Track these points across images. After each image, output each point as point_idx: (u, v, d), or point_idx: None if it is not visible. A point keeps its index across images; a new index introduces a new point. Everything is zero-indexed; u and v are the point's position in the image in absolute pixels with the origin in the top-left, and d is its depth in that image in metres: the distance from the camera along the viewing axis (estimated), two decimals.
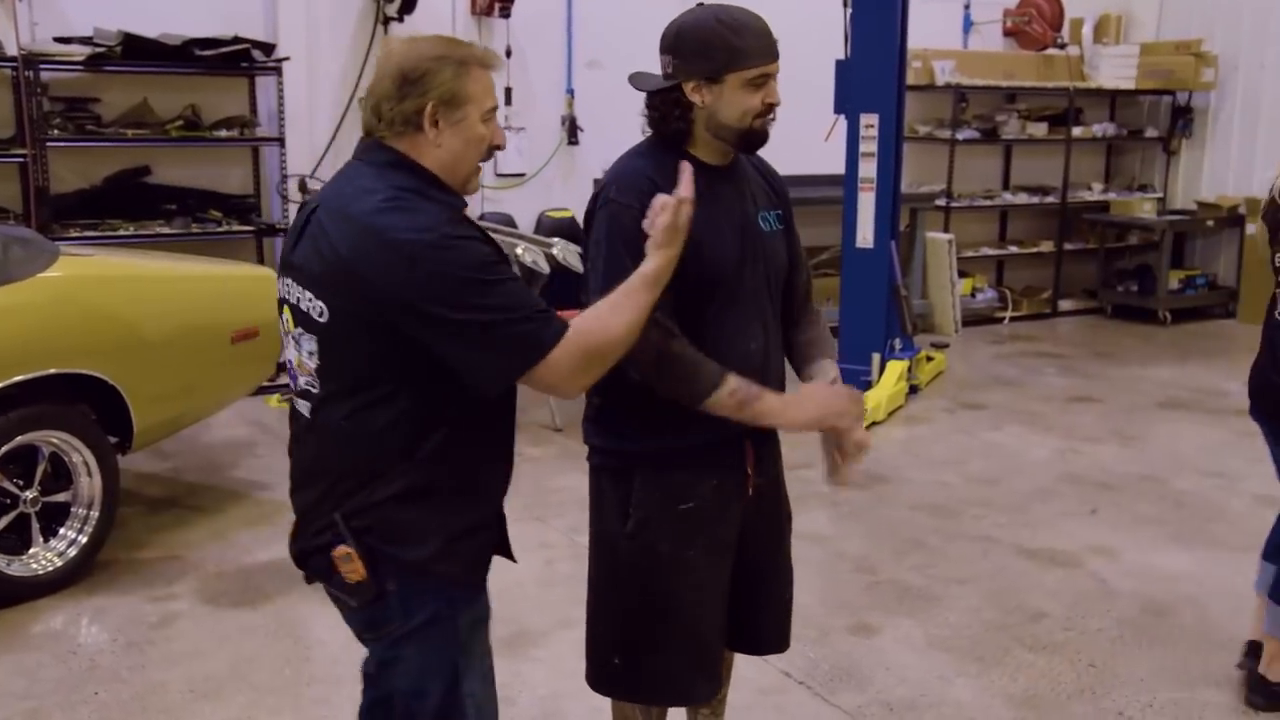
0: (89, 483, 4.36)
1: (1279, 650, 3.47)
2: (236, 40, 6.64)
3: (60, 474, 4.35)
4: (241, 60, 6.71)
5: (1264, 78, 9.53)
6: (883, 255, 6.83)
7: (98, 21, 6.47)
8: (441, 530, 2.10)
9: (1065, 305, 9.98)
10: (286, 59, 6.91)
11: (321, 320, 2.05)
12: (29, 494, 4.24)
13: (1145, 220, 9.73)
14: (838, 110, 6.92)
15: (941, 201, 9.09)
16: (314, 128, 7.23)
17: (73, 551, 4.31)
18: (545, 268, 5.55)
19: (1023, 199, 9.86)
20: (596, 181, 8.74)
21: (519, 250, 5.10)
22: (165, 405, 4.64)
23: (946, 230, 8.81)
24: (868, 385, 6.69)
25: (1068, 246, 9.94)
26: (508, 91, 7.79)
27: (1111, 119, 10.22)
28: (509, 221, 7.52)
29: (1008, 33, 9.87)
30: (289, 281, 2.12)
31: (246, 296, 5.05)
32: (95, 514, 4.37)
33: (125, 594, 4.25)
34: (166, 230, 6.64)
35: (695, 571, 2.45)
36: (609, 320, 2.05)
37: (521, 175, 7.97)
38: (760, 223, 2.48)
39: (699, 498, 2.43)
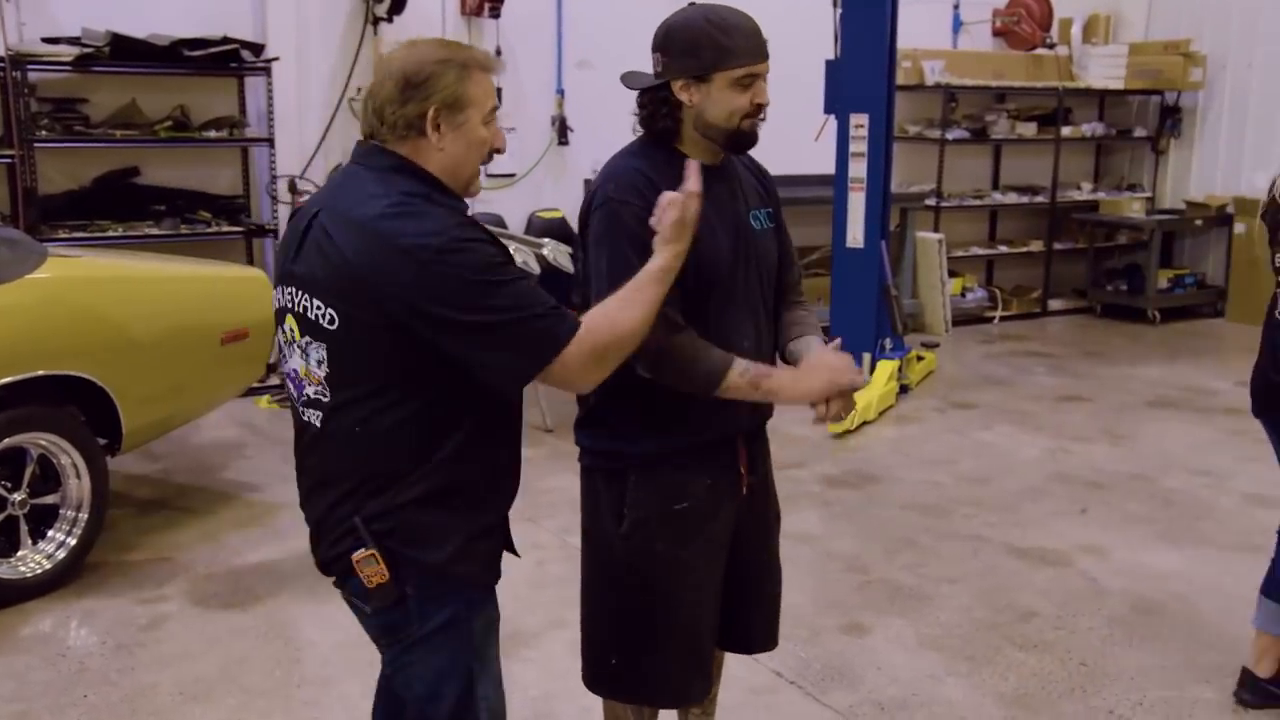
0: (78, 485, 4.35)
1: (1269, 646, 3.48)
2: (225, 41, 6.62)
3: (49, 476, 4.33)
4: (230, 61, 6.69)
5: (1251, 77, 9.57)
6: (873, 255, 6.84)
7: (86, 22, 6.45)
8: (461, 531, 2.11)
9: (1055, 305, 10.01)
10: (276, 59, 6.89)
11: (331, 328, 2.04)
12: (17, 496, 4.22)
13: (1134, 220, 9.76)
14: (827, 110, 6.93)
15: (931, 201, 9.10)
16: (303, 128, 7.22)
17: (61, 554, 4.30)
18: (536, 268, 5.55)
19: (1012, 199, 9.88)
20: (587, 182, 8.79)
21: (510, 251, 5.10)
22: (154, 407, 4.62)
23: (936, 230, 8.83)
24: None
25: (1057, 246, 9.97)
26: (498, 91, 7.76)
27: (1100, 119, 10.25)
28: (499, 222, 7.51)
29: (997, 33, 9.90)
30: (292, 290, 2.11)
31: (236, 298, 5.04)
32: (84, 516, 4.35)
33: (114, 596, 4.24)
34: (155, 231, 6.61)
35: (691, 571, 2.46)
36: (620, 315, 2.07)
37: (512, 176, 7.96)
38: (752, 221, 2.49)
39: (693, 497, 2.44)
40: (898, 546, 4.78)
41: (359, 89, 7.10)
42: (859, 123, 6.75)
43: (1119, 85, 9.80)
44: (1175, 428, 6.55)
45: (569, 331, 2.01)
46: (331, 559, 2.15)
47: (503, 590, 2.26)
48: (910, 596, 4.30)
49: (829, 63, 6.91)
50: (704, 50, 2.29)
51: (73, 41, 6.38)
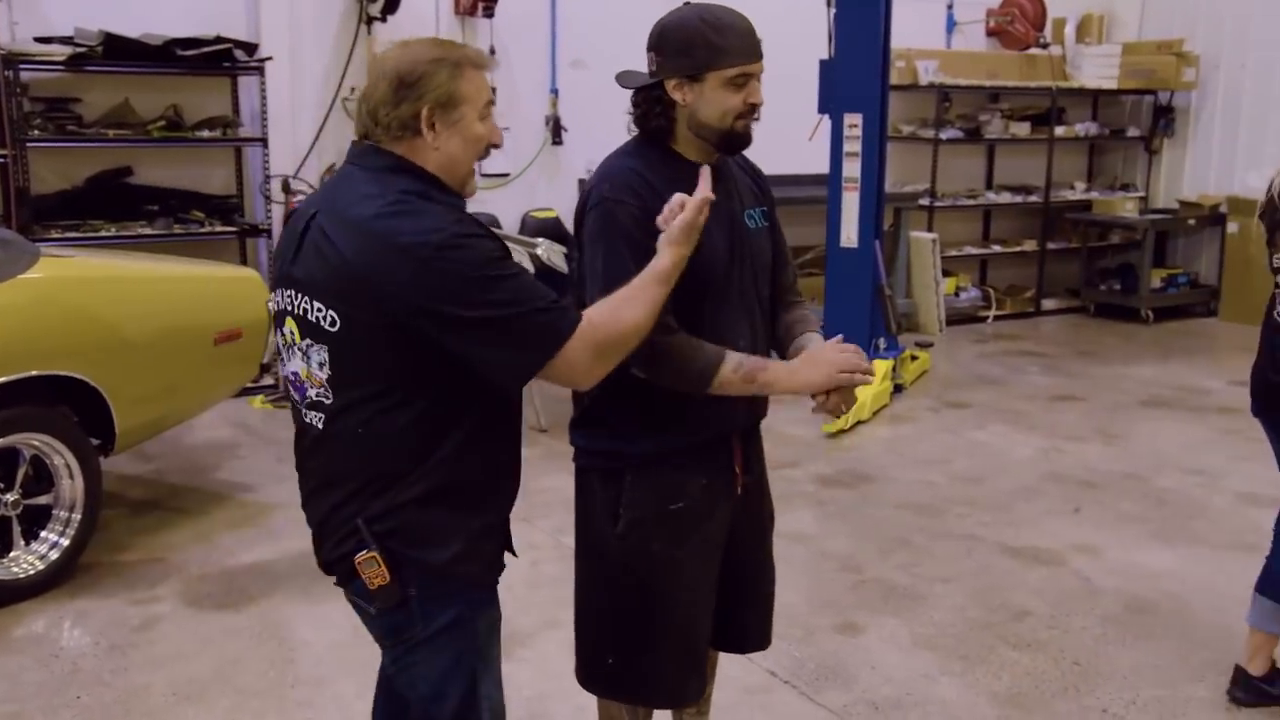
0: (71, 485, 4.34)
1: (1263, 643, 3.49)
2: (219, 40, 6.61)
3: (42, 476, 4.32)
4: (224, 60, 6.68)
5: (1244, 77, 9.59)
6: (867, 255, 6.84)
7: (78, 21, 6.44)
8: (463, 531, 2.11)
9: (1048, 304, 10.02)
10: (269, 59, 6.88)
11: (333, 330, 2.03)
12: (10, 497, 4.21)
13: (1127, 219, 9.78)
14: (822, 110, 6.93)
15: (925, 201, 9.12)
16: (297, 128, 7.21)
17: (54, 554, 4.29)
18: (530, 268, 5.54)
19: (1006, 198, 9.89)
20: (581, 182, 8.78)
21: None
22: (147, 407, 4.62)
23: (930, 229, 8.84)
24: None
25: (1051, 245, 9.99)
26: (492, 91, 7.76)
27: (1094, 118, 10.26)
28: (494, 222, 7.51)
29: (990, 32, 9.91)
30: (291, 293, 2.11)
31: (229, 298, 5.03)
32: (77, 517, 4.35)
33: (108, 597, 4.23)
34: (148, 231, 6.60)
35: (686, 571, 2.46)
36: (621, 312, 2.07)
37: (506, 175, 7.95)
38: (747, 221, 2.49)
39: (689, 497, 2.44)
40: (892, 546, 4.79)
41: (353, 89, 7.10)
42: (853, 122, 6.75)
43: (1112, 85, 9.82)
44: (1168, 427, 6.56)
45: (571, 326, 2.01)
46: (334, 560, 2.15)
47: (498, 590, 2.26)
48: (904, 596, 4.31)
49: (823, 62, 6.91)
50: (697, 49, 2.29)
51: (65, 41, 6.37)
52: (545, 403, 5.89)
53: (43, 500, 4.31)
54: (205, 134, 6.81)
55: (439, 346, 1.99)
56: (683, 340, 2.29)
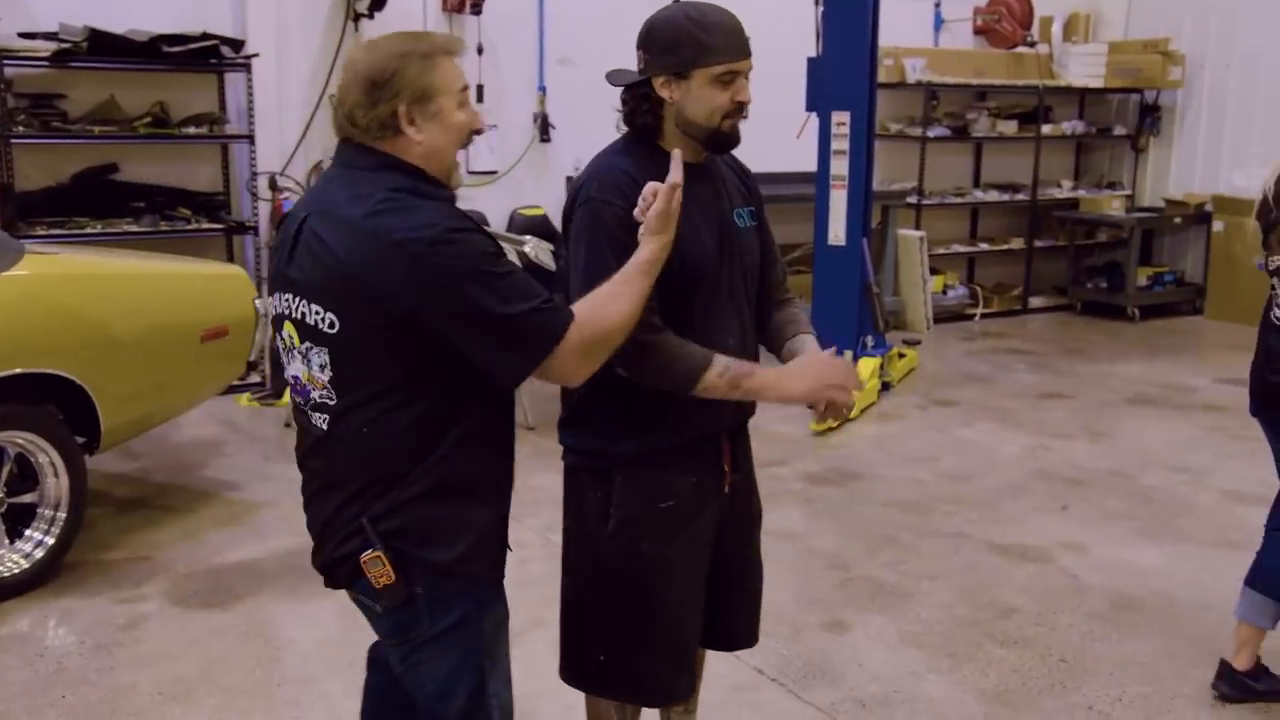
0: (56, 483, 4.31)
1: (1249, 637, 3.50)
2: (205, 36, 6.59)
3: (26, 475, 4.30)
4: (210, 57, 6.66)
5: (1230, 77, 9.63)
6: (855, 252, 6.85)
7: (63, 17, 6.40)
8: (467, 529, 2.12)
9: (1035, 302, 10.05)
10: (256, 55, 6.86)
11: (332, 331, 2.03)
12: None
13: (1114, 217, 9.81)
14: (809, 108, 6.93)
15: (913, 199, 9.13)
16: (284, 125, 7.18)
17: (39, 553, 4.26)
18: (518, 265, 5.53)
19: (993, 196, 9.92)
20: (569, 179, 8.76)
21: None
22: (133, 405, 4.60)
23: (918, 227, 8.86)
24: None
25: (1038, 244, 10.01)
26: (479, 89, 7.76)
27: (1080, 117, 10.30)
28: (481, 219, 7.46)
29: (978, 31, 9.93)
30: (288, 296, 2.10)
31: (216, 295, 5.01)
32: (62, 515, 4.32)
33: (93, 596, 4.21)
34: (135, 228, 6.58)
35: (676, 570, 2.46)
36: (606, 308, 2.08)
37: (493, 173, 7.95)
38: (736, 220, 2.49)
39: (679, 496, 2.44)
40: (879, 544, 4.79)
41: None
42: (841, 120, 6.76)
43: (1099, 84, 9.86)
44: (1154, 425, 6.59)
45: (564, 325, 2.01)
46: (337, 560, 2.14)
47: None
48: (891, 594, 4.31)
49: (811, 60, 6.92)
50: (684, 47, 2.29)
51: (50, 37, 6.33)
52: (533, 401, 5.89)
53: (27, 499, 4.29)
54: (191, 131, 6.79)
55: (439, 344, 1.99)
56: (668, 340, 2.29)
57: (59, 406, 4.33)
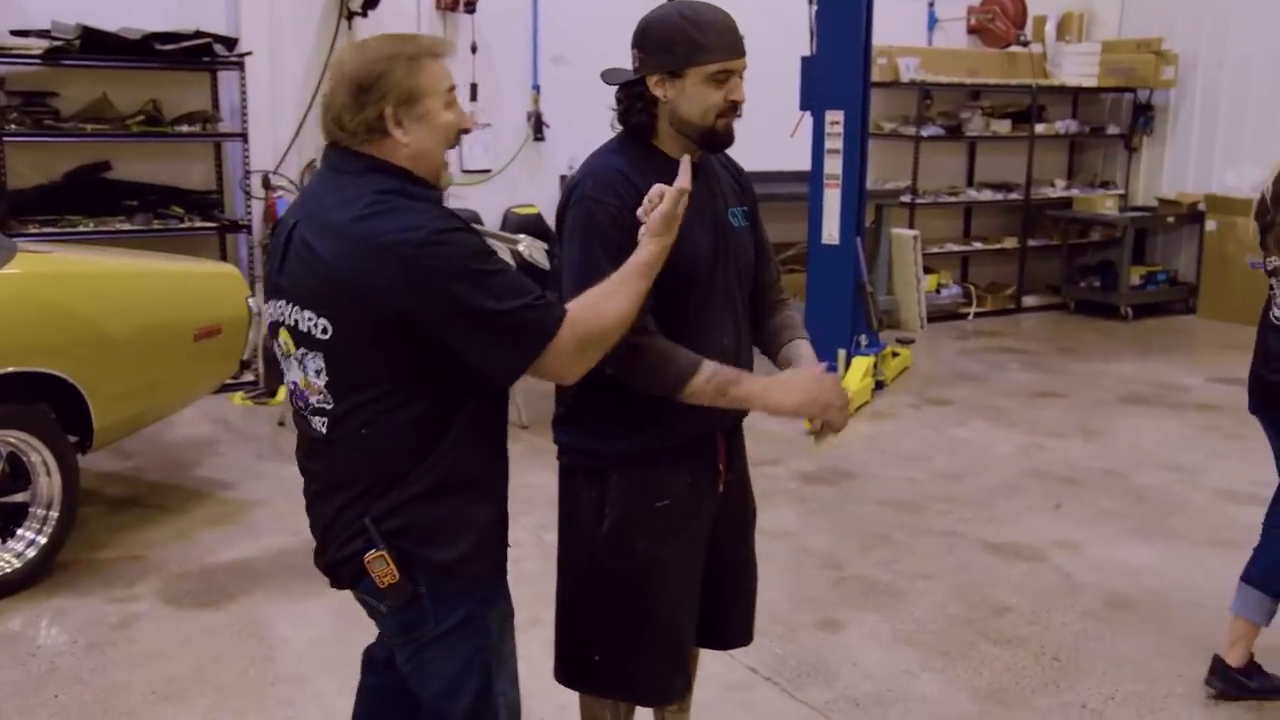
0: (48, 482, 4.30)
1: (1243, 633, 3.51)
2: (198, 34, 6.57)
3: (18, 474, 4.28)
4: (203, 55, 6.64)
5: (1223, 76, 9.65)
6: (848, 251, 6.85)
7: (55, 14, 6.39)
8: (468, 529, 2.13)
9: (1029, 301, 10.06)
10: (249, 54, 6.84)
11: (325, 337, 2.04)
12: None
13: (1107, 217, 9.82)
14: (803, 107, 6.94)
15: (906, 198, 9.14)
16: (277, 123, 7.17)
17: (32, 552, 4.25)
18: (512, 264, 5.53)
19: (987, 195, 9.93)
20: (563, 178, 8.73)
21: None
22: (126, 404, 4.58)
23: (911, 226, 8.87)
24: None
25: (1031, 243, 10.02)
26: (473, 87, 7.75)
27: (1074, 116, 10.31)
28: (475, 218, 7.49)
29: (972, 30, 9.93)
30: (281, 304, 2.11)
31: (209, 294, 5.00)
32: (55, 514, 4.31)
33: (86, 595, 4.20)
34: (127, 226, 6.56)
35: (672, 569, 2.46)
36: (603, 306, 2.08)
37: (487, 171, 7.94)
38: (730, 219, 2.49)
39: (674, 495, 2.44)
40: (873, 543, 4.80)
41: None
42: (835, 119, 6.76)
43: (1092, 83, 9.86)
44: (1148, 424, 6.60)
45: (557, 322, 2.02)
46: (341, 560, 2.15)
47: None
48: (885, 592, 4.32)
49: (805, 59, 6.92)
50: (677, 46, 2.29)
51: (42, 34, 6.32)
52: (527, 399, 5.88)
53: (19, 498, 4.27)
54: (185, 129, 6.77)
55: (433, 344, 2.00)
56: (659, 343, 2.29)
57: (51, 405, 4.31)
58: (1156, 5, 10.04)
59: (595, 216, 2.30)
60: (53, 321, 4.31)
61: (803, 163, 7.00)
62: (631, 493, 2.42)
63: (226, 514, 4.99)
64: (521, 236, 5.82)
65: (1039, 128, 9.76)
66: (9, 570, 4.18)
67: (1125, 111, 10.37)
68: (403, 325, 1.98)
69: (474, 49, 7.69)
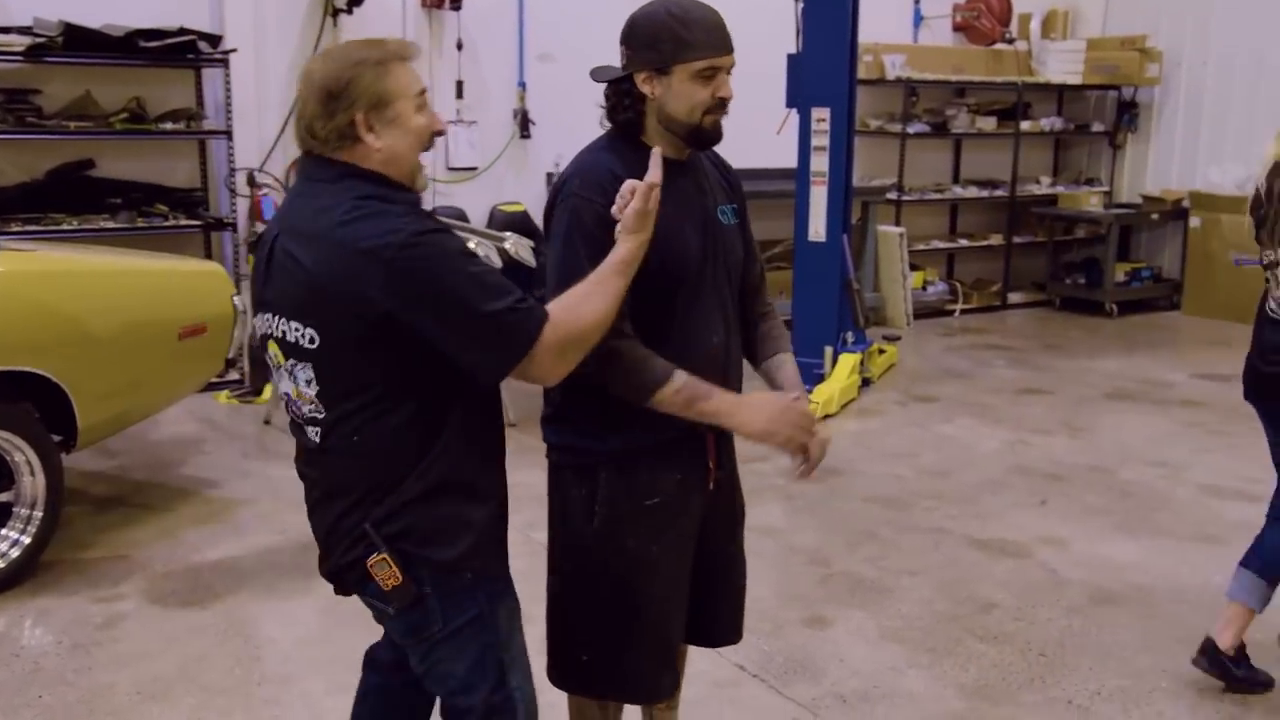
0: (32, 482, 4.28)
1: (1235, 616, 3.51)
2: (182, 32, 6.53)
3: (2, 473, 4.26)
4: (187, 52, 6.61)
5: (1206, 74, 9.69)
6: (835, 248, 6.86)
7: (38, 11, 6.35)
8: (468, 528, 2.13)
9: (1014, 298, 10.09)
10: (234, 51, 6.81)
11: (313, 346, 2.05)
12: None
13: (1092, 213, 9.86)
14: (789, 104, 6.94)
15: (892, 195, 9.16)
16: (262, 121, 7.14)
17: (15, 552, 4.23)
18: (498, 262, 5.52)
19: (972, 192, 9.95)
20: (550, 176, 8.69)
21: (471, 244, 5.06)
22: (111, 403, 4.56)
23: (898, 224, 8.88)
24: (820, 378, 6.73)
25: (1017, 240, 10.05)
26: (459, 85, 7.74)
27: (1059, 113, 10.35)
28: (461, 215, 7.48)
29: (957, 28, 9.95)
30: (268, 316, 2.13)
31: (194, 292, 4.98)
32: (39, 514, 4.29)
33: (70, 595, 4.18)
34: (111, 225, 6.53)
35: (662, 567, 2.46)
36: (582, 307, 2.08)
37: (473, 169, 7.92)
38: (720, 217, 2.49)
39: (664, 493, 2.44)
40: (859, 539, 4.81)
41: None
42: (821, 117, 6.77)
43: (1077, 80, 9.90)
44: (1133, 420, 6.63)
45: (538, 325, 2.02)
46: (344, 566, 2.16)
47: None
48: (872, 589, 4.33)
49: (791, 57, 6.92)
50: (664, 43, 2.29)
51: (24, 31, 6.28)
52: (514, 397, 5.87)
53: (3, 497, 4.25)
54: (169, 126, 6.74)
55: (418, 346, 2.01)
56: (634, 349, 2.28)
57: (35, 404, 4.29)
58: (1141, 3, 10.08)
59: (580, 214, 2.30)
60: (36, 320, 4.28)
61: (789, 160, 7.00)
62: (621, 491, 2.41)
63: (212, 513, 4.97)
64: (508, 234, 5.81)
65: (1024, 125, 9.79)
66: None
67: (1110, 109, 10.41)
68: (387, 329, 1.99)
69: (460, 46, 7.68)
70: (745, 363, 2.61)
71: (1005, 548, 4.73)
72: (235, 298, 5.03)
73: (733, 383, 2.49)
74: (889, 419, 6.62)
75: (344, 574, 2.18)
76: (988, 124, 9.74)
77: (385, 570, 2.09)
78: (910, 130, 9.25)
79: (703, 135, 2.37)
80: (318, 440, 2.13)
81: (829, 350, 6.84)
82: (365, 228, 1.98)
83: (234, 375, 6.77)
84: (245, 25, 7.00)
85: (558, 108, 7.76)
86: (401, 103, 2.08)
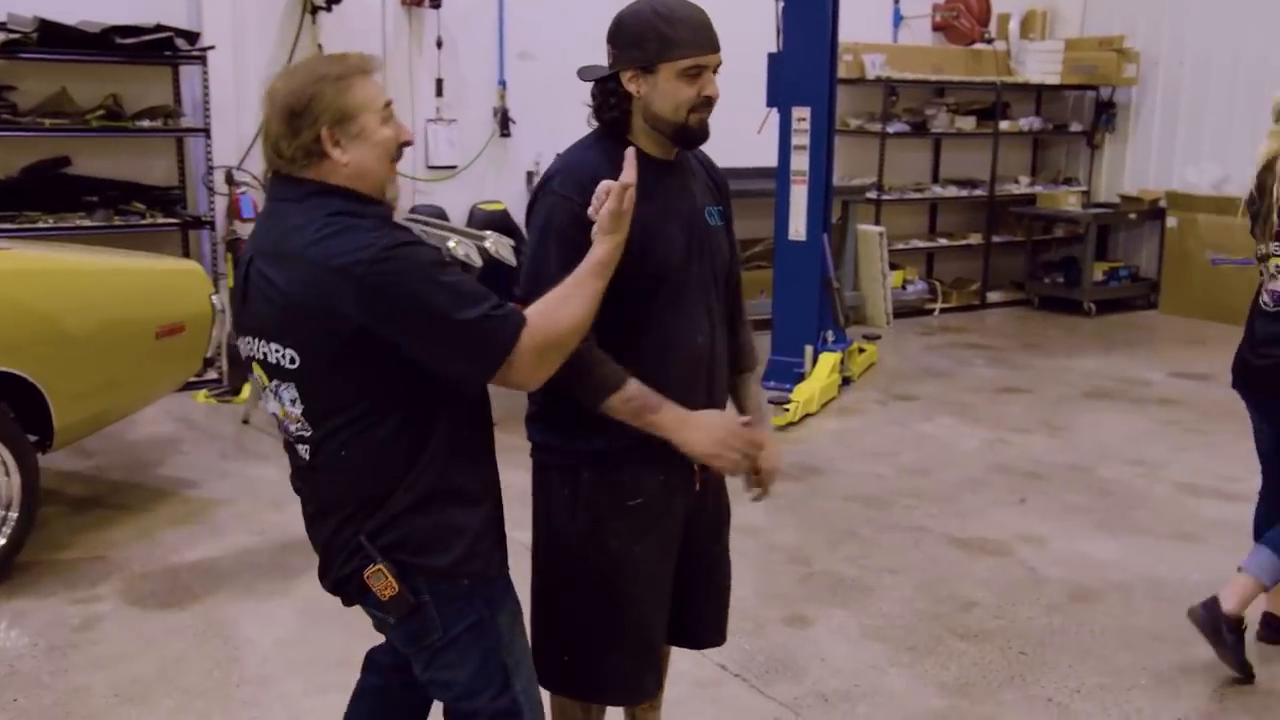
0: (7, 482, 4.24)
1: (1244, 588, 3.52)
2: (159, 28, 6.49)
3: None
4: (164, 49, 6.56)
5: (1183, 74, 9.76)
6: (815, 248, 6.87)
7: (12, 7, 6.29)
8: (462, 532, 2.13)
9: (993, 297, 10.14)
10: (211, 48, 6.77)
11: (294, 366, 2.06)
12: None
13: (1070, 213, 9.91)
14: (770, 103, 6.95)
15: (872, 194, 9.18)
16: (240, 118, 7.09)
17: None
18: (478, 261, 5.48)
19: (952, 192, 9.99)
20: (530, 174, 8.65)
21: (451, 244, 5.01)
22: (87, 402, 4.53)
23: (877, 223, 8.91)
24: (801, 377, 6.74)
25: (995, 239, 10.10)
26: (439, 83, 7.71)
27: (1037, 113, 10.40)
28: (440, 214, 7.44)
29: (936, 27, 9.99)
30: (249, 339, 2.14)
31: (171, 290, 4.95)
32: (14, 515, 4.25)
33: (46, 596, 4.14)
34: (87, 223, 6.48)
35: (645, 567, 2.45)
36: (559, 311, 2.08)
37: (453, 168, 7.90)
38: (706, 218, 2.48)
39: (647, 494, 2.43)
40: (840, 538, 4.81)
41: None
42: (801, 116, 6.78)
43: (1055, 80, 9.95)
44: (1111, 418, 6.66)
45: (515, 332, 2.02)
46: (343, 579, 2.17)
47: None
48: (852, 588, 4.33)
49: (771, 56, 6.93)
50: (649, 41, 2.29)
51: None
52: (496, 397, 5.86)
53: None
54: (146, 124, 6.69)
55: (397, 359, 2.01)
56: (590, 351, 2.26)
57: (10, 404, 4.25)
58: (1119, 4, 10.14)
59: (556, 213, 2.30)
60: (12, 319, 4.24)
61: (769, 159, 7.01)
62: (604, 491, 2.41)
63: (190, 513, 4.94)
64: (488, 233, 5.76)
65: (1003, 125, 9.83)
66: None
67: (1088, 109, 10.46)
68: (365, 345, 1.99)
69: (439, 44, 7.65)
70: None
71: (985, 546, 4.74)
72: (213, 296, 4.99)
73: (717, 382, 2.49)
74: (869, 418, 6.63)
75: (344, 586, 2.19)
76: (967, 124, 9.78)
77: (381, 581, 2.09)
78: (890, 130, 9.28)
79: (689, 134, 2.36)
80: (308, 458, 2.15)
81: (809, 349, 6.85)
82: (336, 245, 1.98)
83: (212, 374, 6.72)
84: (223, 22, 6.96)
85: (538, 106, 7.74)
86: (366, 116, 2.07)
